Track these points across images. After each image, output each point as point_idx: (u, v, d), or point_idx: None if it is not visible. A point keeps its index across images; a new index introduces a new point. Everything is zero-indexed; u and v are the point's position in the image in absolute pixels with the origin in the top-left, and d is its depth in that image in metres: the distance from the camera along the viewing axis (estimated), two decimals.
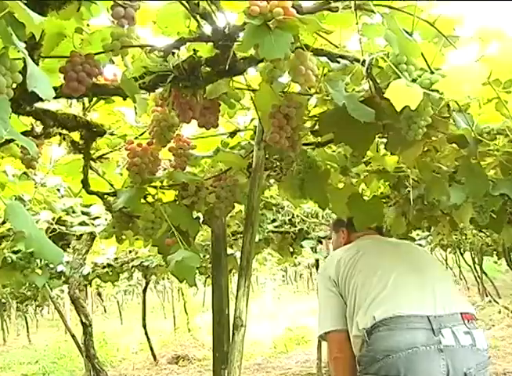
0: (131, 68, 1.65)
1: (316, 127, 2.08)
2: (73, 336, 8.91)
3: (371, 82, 1.72)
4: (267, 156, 2.13)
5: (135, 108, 1.93)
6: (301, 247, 6.16)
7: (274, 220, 5.33)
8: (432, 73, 1.58)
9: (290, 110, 1.76)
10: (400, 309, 2.38)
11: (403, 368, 2.24)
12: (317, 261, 8.04)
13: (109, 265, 7.36)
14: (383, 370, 2.29)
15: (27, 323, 18.09)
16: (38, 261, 4.49)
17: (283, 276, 27.57)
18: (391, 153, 2.39)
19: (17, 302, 13.26)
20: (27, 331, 17.88)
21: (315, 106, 2.04)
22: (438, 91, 1.50)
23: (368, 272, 2.56)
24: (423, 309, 2.40)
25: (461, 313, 2.45)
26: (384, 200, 3.47)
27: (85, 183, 2.25)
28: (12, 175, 2.97)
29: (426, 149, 2.29)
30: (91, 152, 2.21)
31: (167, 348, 11.68)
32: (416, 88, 1.41)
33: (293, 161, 2.24)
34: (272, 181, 2.64)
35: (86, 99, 2.04)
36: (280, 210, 5.20)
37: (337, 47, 1.73)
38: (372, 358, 2.34)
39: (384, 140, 2.15)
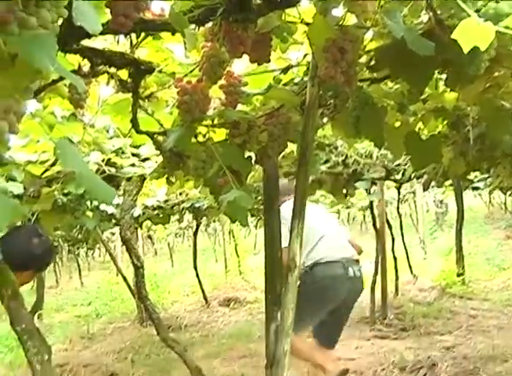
0: (179, 2, 1.63)
1: (372, 62, 2.03)
2: (124, 278, 9.12)
3: (431, 13, 1.66)
4: (321, 92, 2.09)
5: (185, 43, 1.91)
6: (355, 188, 6.12)
7: (327, 161, 5.29)
8: (497, 2, 1.52)
9: (345, 43, 1.72)
10: (328, 257, 4.53)
11: (329, 285, 4.48)
12: (371, 203, 8.00)
13: (159, 208, 7.45)
14: (318, 287, 4.40)
15: (78, 265, 18.54)
16: (89, 203, 4.57)
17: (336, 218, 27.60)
18: (451, 90, 2.33)
19: (69, 245, 13.59)
20: (79, 274, 18.35)
21: (371, 40, 1.99)
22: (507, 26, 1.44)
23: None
24: (339, 256, 4.59)
25: (354, 259, 4.71)
26: (441, 140, 3.41)
27: (134, 123, 2.25)
28: (60, 116, 2.99)
29: (488, 85, 2.22)
30: (140, 90, 2.21)
31: (219, 291, 11.85)
32: (489, 27, 1.33)
33: (348, 98, 2.20)
34: (325, 120, 2.61)
35: (133, 36, 2.02)
36: (333, 150, 5.15)
37: None
38: (312, 280, 4.43)
39: (444, 76, 2.09)
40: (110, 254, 10.14)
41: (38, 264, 3.17)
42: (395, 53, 1.76)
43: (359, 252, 5.05)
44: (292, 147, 3.44)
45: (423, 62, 1.64)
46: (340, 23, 1.79)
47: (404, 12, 1.71)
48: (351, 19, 1.81)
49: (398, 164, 5.88)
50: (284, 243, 4.10)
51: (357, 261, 4.75)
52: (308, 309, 4.22)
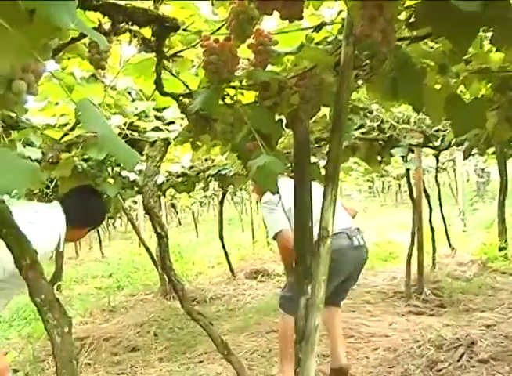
0: None
1: (412, 19, 2.00)
2: (147, 248, 9.22)
3: None
4: (356, 52, 2.07)
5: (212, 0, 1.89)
6: (391, 155, 6.08)
7: (361, 126, 5.26)
8: None
9: None
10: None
11: (335, 258, 3.95)
12: (408, 171, 7.94)
13: (184, 174, 7.46)
14: None
15: (99, 235, 18.71)
16: (110, 169, 4.59)
17: (370, 187, 27.56)
18: (497, 50, 2.30)
19: None
20: (100, 244, 18.54)
21: None
22: None
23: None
24: (342, 226, 4.75)
25: (356, 228, 4.97)
26: (485, 104, 3.36)
27: (158, 84, 2.25)
28: (79, 77, 3.00)
29: None
30: (164, 50, 2.20)
31: (246, 263, 11.93)
32: None
33: (385, 58, 2.17)
34: (360, 82, 2.58)
35: None
36: (368, 115, 5.11)
37: None
38: None
39: (489, 34, 2.06)
40: (132, 224, 10.23)
41: (96, 221, 3.84)
42: (437, 9, 1.73)
43: (354, 215, 5.45)
44: (325, 111, 3.42)
45: (468, 18, 1.61)
46: None
47: None
48: None
49: (438, 130, 5.84)
50: (276, 226, 4.85)
51: (358, 229, 5.03)
52: None
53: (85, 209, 3.60)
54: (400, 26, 2.05)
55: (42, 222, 3.38)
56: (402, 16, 2.02)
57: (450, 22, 1.72)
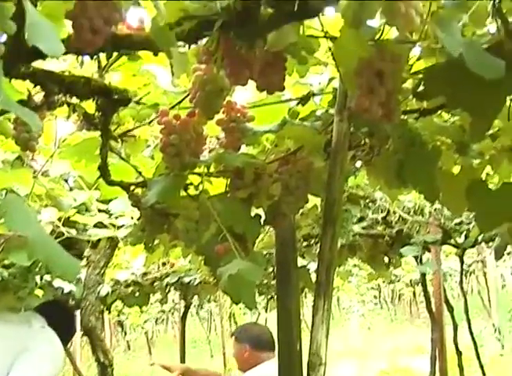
0: (164, 12, 1.67)
1: (421, 88, 2.06)
2: None
3: (499, 22, 1.70)
4: (352, 129, 2.12)
5: (171, 66, 1.95)
6: (401, 256, 6.11)
7: (362, 219, 5.30)
8: None
9: (384, 65, 1.75)
10: None
11: None
12: (423, 276, 7.95)
13: (135, 283, 7.42)
14: None
15: None
16: (38, 278, 4.56)
17: (376, 297, 27.45)
18: None
19: None
20: None
21: (418, 59, 2.03)
22: None
23: None
24: None
25: None
26: None
27: (104, 171, 2.28)
28: (1, 161, 3.02)
29: None
30: (112, 128, 2.24)
31: None
32: None
33: (388, 137, 2.23)
34: (358, 164, 2.63)
35: (103, 56, 2.06)
36: (370, 205, 5.16)
37: None
38: None
39: None
40: (65, 350, 10.07)
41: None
42: (452, 75, 1.78)
43: None
44: (315, 201, 3.47)
45: (491, 86, 1.66)
46: (377, 37, 1.83)
47: (463, 21, 1.74)
48: (392, 32, 1.84)
49: (460, 223, 5.87)
50: None
51: None
52: None
53: None
54: (406, 96, 2.11)
55: (40, 345, 3.65)
56: (408, 84, 2.09)
57: (468, 91, 1.78)
